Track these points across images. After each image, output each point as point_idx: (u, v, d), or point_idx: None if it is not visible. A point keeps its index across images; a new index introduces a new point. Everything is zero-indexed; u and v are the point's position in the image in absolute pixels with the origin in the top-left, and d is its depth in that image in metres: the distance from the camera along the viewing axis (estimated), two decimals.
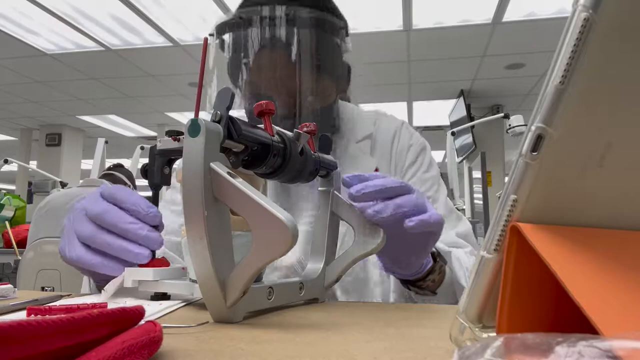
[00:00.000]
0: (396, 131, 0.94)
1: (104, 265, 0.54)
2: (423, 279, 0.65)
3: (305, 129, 0.53)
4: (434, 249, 0.68)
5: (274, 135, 0.49)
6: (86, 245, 0.55)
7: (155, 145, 0.56)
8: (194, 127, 0.42)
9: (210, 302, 0.43)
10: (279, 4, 0.75)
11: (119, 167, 2.81)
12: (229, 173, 0.41)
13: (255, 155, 0.48)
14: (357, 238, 0.58)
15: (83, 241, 0.55)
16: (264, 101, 0.49)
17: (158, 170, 0.55)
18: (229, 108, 0.45)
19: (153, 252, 0.56)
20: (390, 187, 0.53)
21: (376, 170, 0.87)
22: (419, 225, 0.53)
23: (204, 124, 0.41)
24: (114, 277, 0.54)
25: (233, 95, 0.45)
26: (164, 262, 0.55)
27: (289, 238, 0.38)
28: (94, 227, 0.54)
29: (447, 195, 0.91)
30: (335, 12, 0.83)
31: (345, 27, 0.84)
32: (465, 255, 0.77)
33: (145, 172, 0.57)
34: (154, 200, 0.57)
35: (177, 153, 0.55)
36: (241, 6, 0.81)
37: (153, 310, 0.47)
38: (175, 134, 0.54)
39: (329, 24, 0.78)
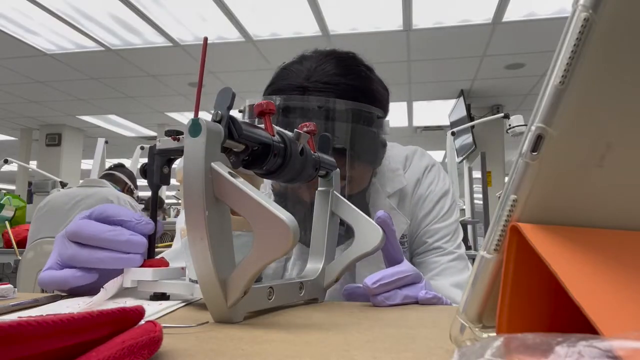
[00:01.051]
0: (418, 179, 0.89)
1: (75, 277, 0.54)
2: None
3: (305, 129, 0.53)
4: None
5: (274, 135, 0.49)
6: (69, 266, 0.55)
7: (155, 145, 0.56)
8: (195, 127, 0.41)
9: (211, 302, 0.43)
10: (314, 92, 0.71)
11: (119, 167, 2.79)
12: (229, 173, 0.41)
13: (256, 155, 0.48)
14: (357, 238, 0.58)
15: (68, 264, 0.55)
16: (264, 101, 0.49)
17: (157, 170, 0.55)
18: (229, 108, 0.45)
19: (151, 253, 0.56)
20: (404, 277, 0.57)
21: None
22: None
23: (205, 124, 0.41)
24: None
25: (234, 95, 0.45)
26: (162, 262, 0.55)
27: (290, 238, 0.38)
28: (76, 246, 0.54)
29: (459, 242, 0.88)
30: (374, 96, 0.77)
31: (385, 109, 0.79)
32: None
33: (144, 172, 0.57)
34: (154, 200, 0.57)
35: (177, 153, 0.55)
36: (277, 89, 0.76)
37: (153, 310, 0.47)
38: (174, 134, 0.54)
39: (366, 116, 0.73)
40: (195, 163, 0.41)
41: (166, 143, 0.54)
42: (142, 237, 0.54)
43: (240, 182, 0.41)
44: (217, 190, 0.41)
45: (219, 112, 0.44)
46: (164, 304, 0.52)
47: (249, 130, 0.46)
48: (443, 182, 0.91)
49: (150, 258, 0.56)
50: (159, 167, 0.55)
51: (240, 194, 0.40)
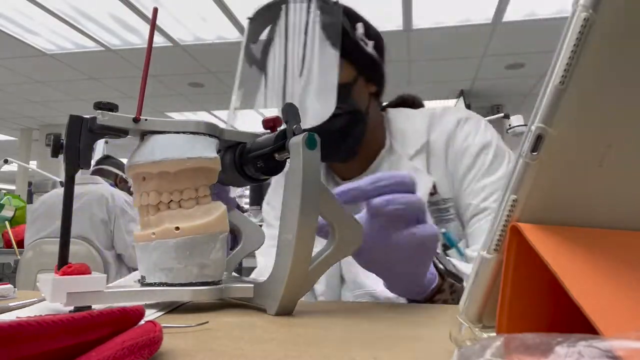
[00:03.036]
0: (449, 134, 0.78)
1: None
2: (430, 299, 0.56)
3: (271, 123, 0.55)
4: (441, 267, 0.58)
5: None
6: None
7: (90, 117, 0.47)
8: (312, 140, 0.45)
9: (288, 297, 0.46)
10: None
11: (106, 158, 2.68)
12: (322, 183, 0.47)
13: (273, 168, 0.53)
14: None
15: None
16: (274, 116, 0.52)
17: (86, 150, 0.46)
18: (300, 122, 0.49)
19: (64, 257, 0.46)
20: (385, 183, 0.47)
21: (434, 187, 0.77)
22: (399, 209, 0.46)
23: (319, 139, 0.45)
24: None
25: (297, 108, 0.49)
26: (85, 268, 0.45)
27: (361, 238, 0.47)
28: None
29: None
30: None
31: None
32: None
33: (60, 147, 0.47)
34: (70, 187, 0.46)
35: (119, 132, 0.49)
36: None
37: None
38: (108, 108, 0.47)
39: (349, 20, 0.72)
40: (314, 175, 0.45)
41: (115, 120, 0.47)
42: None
43: (332, 191, 0.46)
44: None
45: (298, 125, 0.48)
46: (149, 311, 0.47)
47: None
48: (483, 134, 0.78)
49: (63, 263, 0.46)
50: (87, 146, 0.47)
51: (331, 201, 0.46)
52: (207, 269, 0.49)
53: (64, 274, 0.44)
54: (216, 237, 0.50)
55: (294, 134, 0.48)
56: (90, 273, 0.45)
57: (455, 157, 0.78)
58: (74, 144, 0.46)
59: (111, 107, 0.47)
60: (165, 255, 0.48)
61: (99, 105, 0.47)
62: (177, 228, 0.48)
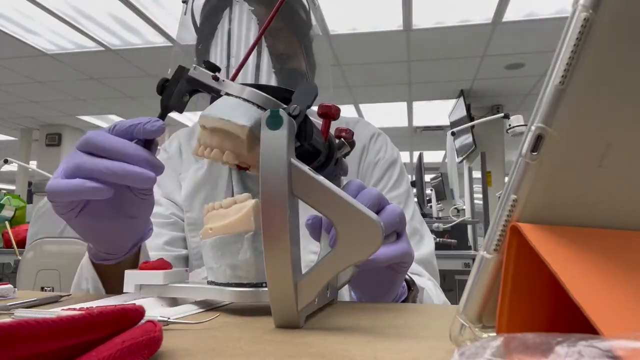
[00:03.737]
0: (364, 146, 0.87)
1: (85, 187, 0.46)
2: None
3: (343, 133, 0.52)
4: (407, 277, 0.62)
5: (326, 141, 0.49)
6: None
7: (186, 68, 0.51)
8: (275, 119, 0.39)
9: (279, 307, 0.40)
10: None
11: None
12: (310, 169, 0.40)
13: (301, 155, 0.45)
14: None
15: (71, 173, 0.47)
16: (332, 104, 0.48)
17: (178, 94, 0.51)
18: (309, 106, 0.43)
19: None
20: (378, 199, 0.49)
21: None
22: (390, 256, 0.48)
23: (286, 117, 0.39)
24: (111, 239, 0.52)
25: (316, 95, 0.43)
26: (165, 264, 0.52)
27: (380, 239, 0.37)
28: (86, 155, 0.47)
29: (412, 213, 0.84)
30: None
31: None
32: (433, 288, 0.72)
33: (162, 87, 0.52)
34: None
35: (207, 90, 0.51)
36: None
37: (173, 312, 0.45)
38: (209, 67, 0.50)
39: None
40: (277, 158, 0.39)
41: (202, 75, 0.50)
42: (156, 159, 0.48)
43: (323, 180, 0.39)
44: (296, 188, 0.39)
45: (299, 107, 0.42)
46: (182, 307, 0.48)
47: (314, 134, 0.45)
48: (392, 150, 0.89)
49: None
50: (181, 92, 0.51)
51: (324, 192, 0.39)
52: (238, 270, 0.47)
53: (142, 268, 0.50)
54: (241, 236, 0.47)
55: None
56: (167, 269, 0.51)
57: (367, 168, 0.86)
58: (172, 88, 0.51)
59: (213, 68, 0.50)
60: (206, 255, 0.49)
61: (204, 63, 0.50)
62: (211, 229, 0.48)
